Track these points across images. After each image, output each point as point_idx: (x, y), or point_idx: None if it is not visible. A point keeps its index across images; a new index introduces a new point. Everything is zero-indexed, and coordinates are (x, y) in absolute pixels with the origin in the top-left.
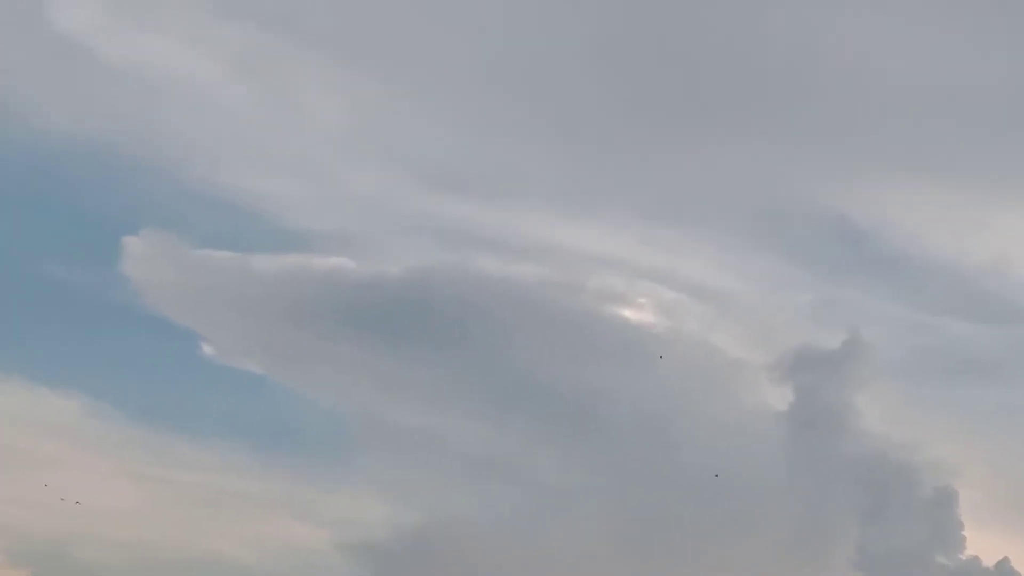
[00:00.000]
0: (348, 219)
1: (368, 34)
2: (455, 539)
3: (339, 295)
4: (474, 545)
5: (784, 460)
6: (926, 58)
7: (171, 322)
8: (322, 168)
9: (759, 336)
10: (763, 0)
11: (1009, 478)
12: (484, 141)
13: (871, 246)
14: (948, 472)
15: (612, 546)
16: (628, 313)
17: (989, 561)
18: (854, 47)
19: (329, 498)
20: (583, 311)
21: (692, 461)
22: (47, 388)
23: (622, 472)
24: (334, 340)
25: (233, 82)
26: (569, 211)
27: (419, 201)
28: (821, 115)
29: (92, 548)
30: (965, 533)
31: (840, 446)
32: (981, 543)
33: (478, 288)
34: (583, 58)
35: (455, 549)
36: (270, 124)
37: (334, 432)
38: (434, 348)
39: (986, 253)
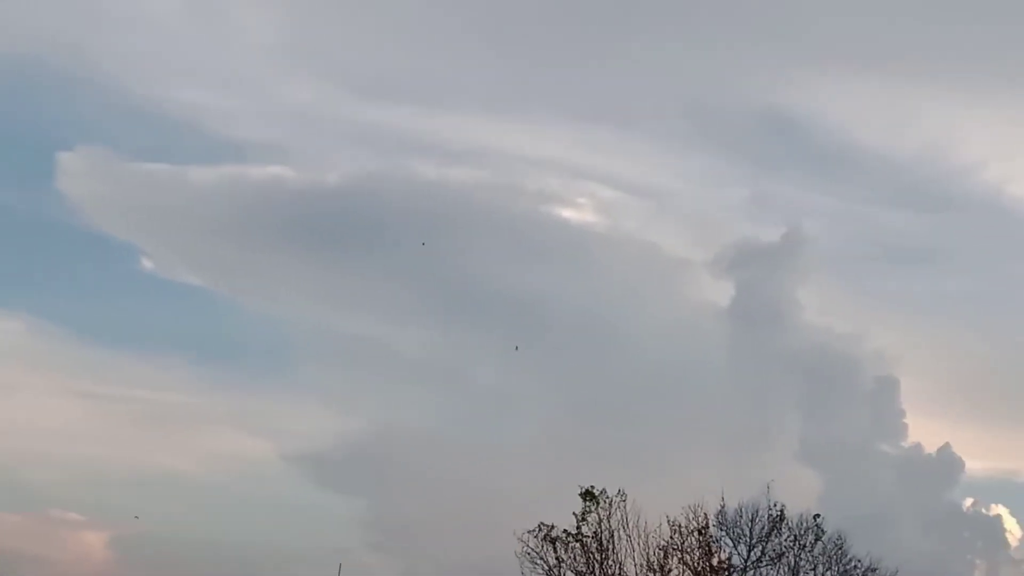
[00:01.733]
0: (284, 129)
1: None
2: (399, 446)
3: (277, 205)
4: (418, 451)
5: (726, 355)
6: None
7: (109, 237)
8: (256, 79)
9: (698, 233)
10: None
11: (949, 365)
12: (416, 49)
13: (805, 139)
14: (889, 361)
15: (555, 446)
16: (567, 213)
17: (931, 447)
18: None
19: (273, 409)
20: (522, 213)
21: (634, 359)
22: None
23: (564, 373)
24: (274, 250)
25: None
26: (503, 115)
27: (354, 110)
28: (750, 9)
29: (39, 468)
30: (907, 421)
31: (782, 339)
32: (923, 430)
33: (416, 194)
34: None
35: (399, 455)
36: (202, 36)
37: (277, 343)
38: (374, 255)
39: (919, 142)
